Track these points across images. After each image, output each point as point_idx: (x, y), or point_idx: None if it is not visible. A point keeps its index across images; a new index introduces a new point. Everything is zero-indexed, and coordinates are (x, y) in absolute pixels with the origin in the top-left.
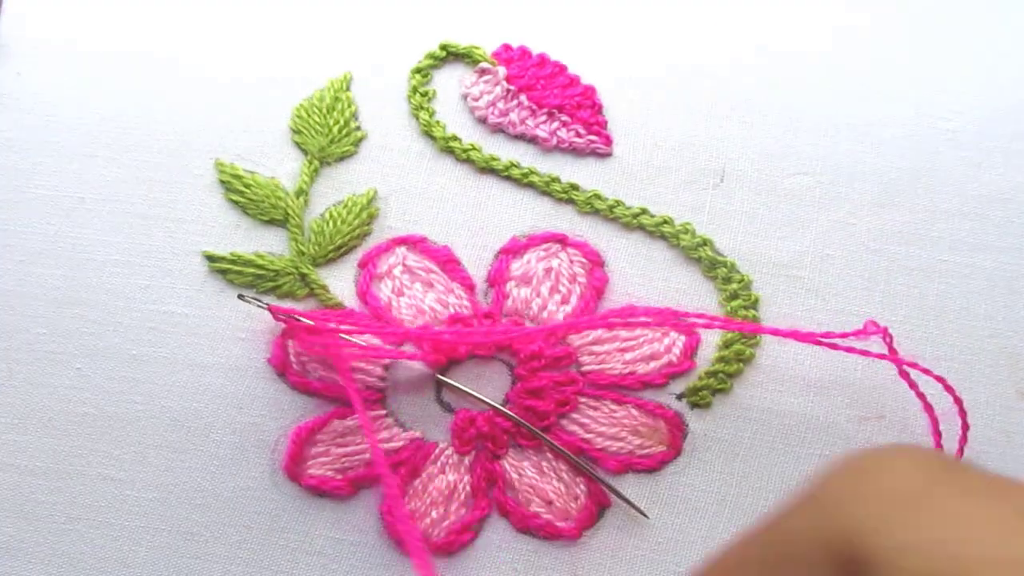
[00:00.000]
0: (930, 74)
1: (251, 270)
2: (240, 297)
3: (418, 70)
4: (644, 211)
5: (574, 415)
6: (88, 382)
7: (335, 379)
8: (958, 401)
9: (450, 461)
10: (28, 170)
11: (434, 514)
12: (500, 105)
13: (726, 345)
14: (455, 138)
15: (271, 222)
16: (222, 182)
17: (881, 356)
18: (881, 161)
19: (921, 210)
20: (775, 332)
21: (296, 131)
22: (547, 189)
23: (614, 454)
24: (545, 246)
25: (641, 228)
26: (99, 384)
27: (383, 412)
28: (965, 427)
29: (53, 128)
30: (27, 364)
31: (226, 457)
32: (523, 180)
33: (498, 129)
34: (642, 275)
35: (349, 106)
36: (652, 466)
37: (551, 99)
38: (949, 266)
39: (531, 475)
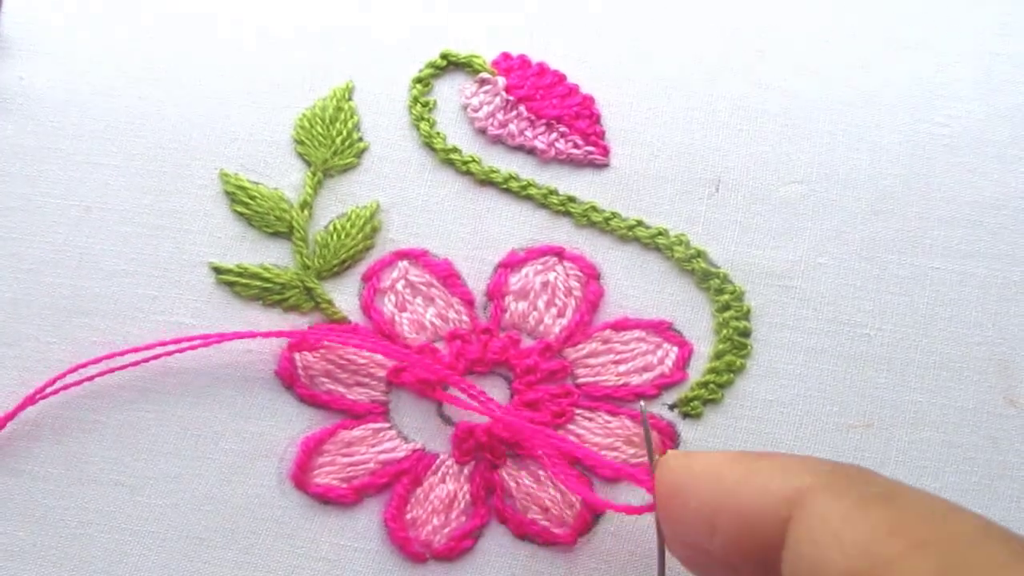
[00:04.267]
0: (925, 80)
1: (257, 283)
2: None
3: (419, 79)
4: (640, 223)
5: (570, 426)
6: (98, 390)
7: (341, 392)
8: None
9: (450, 471)
10: (34, 177)
11: (435, 522)
12: (499, 116)
13: (717, 356)
14: (455, 150)
15: (276, 234)
16: (227, 193)
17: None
18: (875, 167)
19: (914, 217)
20: None
21: (299, 142)
22: (545, 201)
23: (608, 463)
24: (542, 259)
25: (636, 240)
26: (109, 392)
27: (386, 425)
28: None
29: (58, 135)
30: (38, 372)
31: (235, 465)
32: (521, 192)
33: (497, 140)
34: (637, 287)
35: (352, 116)
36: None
37: (550, 109)
38: (941, 274)
39: (528, 484)
